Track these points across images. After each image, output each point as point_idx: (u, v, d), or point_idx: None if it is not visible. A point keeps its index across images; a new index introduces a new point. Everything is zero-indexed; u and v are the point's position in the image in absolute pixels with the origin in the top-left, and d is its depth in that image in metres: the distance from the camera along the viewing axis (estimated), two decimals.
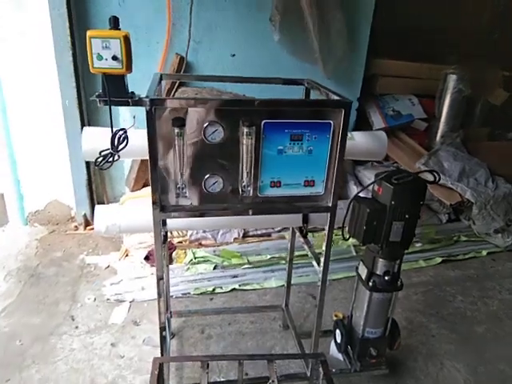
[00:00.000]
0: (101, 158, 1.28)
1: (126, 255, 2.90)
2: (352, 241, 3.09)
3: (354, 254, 2.98)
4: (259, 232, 3.15)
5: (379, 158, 1.82)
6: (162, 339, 1.66)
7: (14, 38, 2.86)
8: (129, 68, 1.18)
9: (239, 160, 1.41)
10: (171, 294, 2.55)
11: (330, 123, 1.41)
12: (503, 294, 2.70)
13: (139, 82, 3.19)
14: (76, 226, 3.27)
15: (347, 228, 1.76)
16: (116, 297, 2.50)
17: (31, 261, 2.82)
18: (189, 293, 2.57)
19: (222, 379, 1.96)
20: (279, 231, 3.21)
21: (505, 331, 2.37)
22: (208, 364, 1.56)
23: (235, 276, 2.73)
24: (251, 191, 1.44)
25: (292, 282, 2.68)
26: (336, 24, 3.25)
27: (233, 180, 1.45)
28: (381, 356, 1.93)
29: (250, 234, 3.15)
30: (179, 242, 3.00)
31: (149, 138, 1.31)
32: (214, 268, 2.77)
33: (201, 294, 2.58)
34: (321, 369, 1.59)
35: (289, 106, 1.40)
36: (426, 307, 2.54)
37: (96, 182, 3.29)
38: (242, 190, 1.44)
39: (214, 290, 2.60)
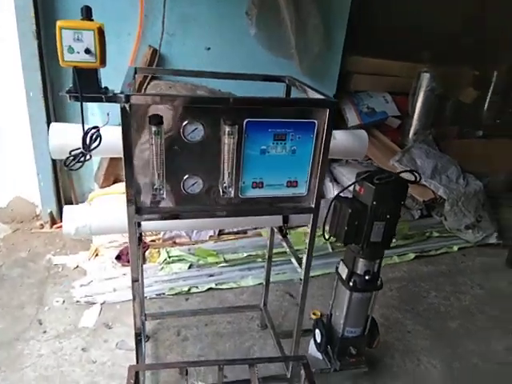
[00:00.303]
0: (71, 158, 1.19)
1: (96, 255, 2.78)
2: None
3: (331, 250, 2.98)
4: (235, 229, 3.11)
5: (359, 157, 1.82)
6: (138, 344, 1.59)
7: None
8: (103, 62, 1.10)
9: (220, 160, 1.35)
10: (145, 295, 2.47)
11: (314, 123, 1.37)
12: (474, 289, 2.77)
13: (109, 76, 3.06)
14: (42, 225, 3.12)
15: (328, 228, 1.74)
16: (86, 299, 2.40)
17: None
18: (163, 293, 2.50)
19: None
20: (255, 228, 3.17)
21: (477, 326, 2.43)
22: (187, 370, 1.51)
23: (211, 275, 2.67)
24: (232, 192, 1.39)
25: (270, 279, 2.66)
26: (312, 20, 3.22)
27: (213, 180, 1.39)
28: (360, 355, 1.93)
29: (226, 231, 3.10)
30: (152, 241, 2.92)
31: (123, 137, 1.23)
32: (190, 267, 2.70)
33: (176, 294, 2.50)
34: (303, 371, 1.57)
35: (273, 105, 1.35)
36: (401, 303, 2.57)
37: (63, 177, 3.14)
38: (223, 191, 1.38)
39: (189, 289, 2.54)
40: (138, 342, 1.58)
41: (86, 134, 1.14)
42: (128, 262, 2.68)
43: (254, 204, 1.46)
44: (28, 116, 2.85)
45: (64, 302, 2.37)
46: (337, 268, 1.90)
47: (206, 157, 1.35)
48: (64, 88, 1.16)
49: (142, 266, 2.20)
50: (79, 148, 1.17)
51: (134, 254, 1.44)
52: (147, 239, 2.88)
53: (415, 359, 2.16)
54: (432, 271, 2.96)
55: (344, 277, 1.82)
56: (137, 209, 1.35)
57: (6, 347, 2.03)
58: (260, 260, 2.83)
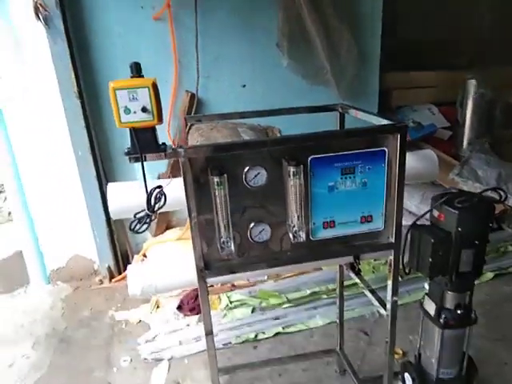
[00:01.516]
0: (135, 222, 1.13)
1: (157, 307, 2.73)
2: None
3: (400, 279, 2.76)
4: None
5: (431, 180, 1.66)
6: None
7: (18, 94, 2.78)
8: (160, 118, 1.05)
9: (286, 203, 1.26)
10: None
11: (385, 150, 1.25)
12: None
13: None
14: (101, 280, 3.12)
15: (407, 260, 1.58)
16: (153, 355, 2.32)
17: (59, 324, 2.66)
18: (230, 342, 2.38)
19: None
20: None
21: None
22: None
23: (277, 318, 2.53)
24: (303, 235, 1.28)
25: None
26: (344, 43, 3.16)
27: (281, 225, 1.29)
28: None
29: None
30: (210, 286, 2.82)
31: (186, 193, 1.16)
32: (253, 311, 2.58)
33: (243, 342, 2.38)
34: None
35: (336, 138, 1.25)
36: (490, 331, 2.31)
37: (117, 231, 3.15)
38: (294, 236, 1.28)
39: (256, 336, 2.41)
40: None
41: (150, 194, 1.08)
42: (190, 311, 2.62)
43: (326, 246, 1.34)
44: (78, 175, 2.90)
45: (132, 360, 2.31)
46: (421, 303, 1.72)
47: (271, 201, 1.27)
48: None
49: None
50: (143, 210, 1.11)
51: (205, 309, 1.35)
52: None
53: None
54: None
55: (432, 313, 1.63)
56: (205, 264, 1.27)
57: None
58: (325, 297, 2.67)
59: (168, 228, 3.36)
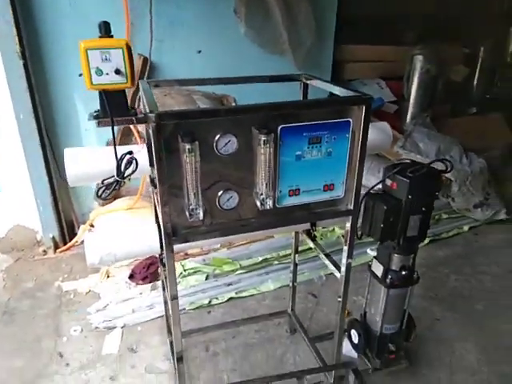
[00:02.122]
0: (103, 188, 1.10)
1: (108, 276, 2.68)
2: (341, 231, 3.06)
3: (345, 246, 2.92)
4: None
5: (385, 151, 1.75)
6: (180, 368, 1.51)
7: None
8: (133, 81, 1.01)
9: (255, 171, 1.28)
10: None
11: (350, 121, 1.31)
12: (493, 268, 2.77)
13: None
14: (44, 251, 2.98)
15: (359, 226, 1.68)
16: (105, 324, 2.30)
17: (0, 296, 2.53)
18: (184, 308, 2.41)
19: None
20: None
21: (503, 305, 2.42)
22: None
23: (230, 284, 2.59)
24: (271, 203, 1.31)
25: (289, 282, 2.60)
26: (303, 13, 3.16)
27: (248, 193, 1.32)
28: (399, 350, 1.89)
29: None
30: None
31: (156, 159, 1.14)
32: (206, 278, 2.62)
33: (197, 308, 2.42)
34: (351, 377, 1.52)
35: (306, 108, 1.28)
36: (425, 291, 2.54)
37: (62, 200, 3.00)
38: (261, 203, 1.31)
39: (210, 302, 2.46)
40: (180, 366, 1.50)
41: (120, 160, 1.04)
42: (142, 280, 2.60)
43: (290, 212, 1.39)
44: (20, 140, 2.70)
45: (82, 330, 2.27)
46: (369, 266, 1.85)
47: (240, 169, 1.28)
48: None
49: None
50: (112, 176, 1.08)
51: (171, 274, 1.36)
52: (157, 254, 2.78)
53: (449, 347, 2.14)
54: (448, 254, 2.95)
55: (379, 274, 1.77)
56: (173, 231, 1.27)
57: None
58: (277, 263, 2.78)
59: (117, 197, 3.26)
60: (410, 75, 3.68)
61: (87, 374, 2.00)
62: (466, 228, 3.22)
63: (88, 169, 1.42)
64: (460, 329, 2.26)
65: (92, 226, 3.08)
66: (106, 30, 1.02)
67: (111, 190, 1.09)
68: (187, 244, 1.39)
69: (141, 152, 1.24)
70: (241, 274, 2.67)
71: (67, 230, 3.06)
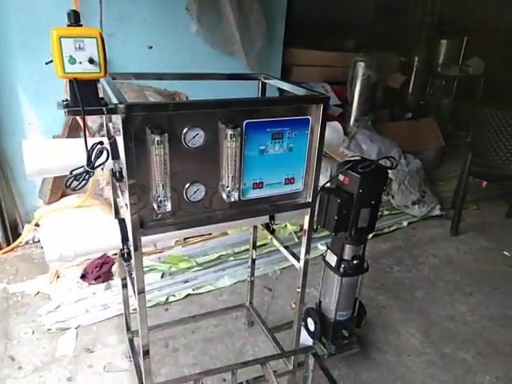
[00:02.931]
0: (72, 179, 1.10)
1: (57, 277, 2.58)
2: (293, 227, 3.17)
3: (297, 240, 3.05)
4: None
5: (336, 149, 1.87)
6: (146, 362, 1.52)
7: None
8: (106, 71, 1.02)
9: (221, 164, 1.33)
10: (121, 312, 2.35)
11: (309, 119, 1.40)
12: (430, 259, 3.01)
13: (46, 79, 2.86)
14: None
15: (315, 219, 1.78)
16: (58, 325, 2.22)
17: None
18: None
19: None
20: None
21: (440, 292, 2.65)
22: (202, 382, 1.48)
23: (186, 281, 2.61)
24: (236, 195, 1.37)
25: (245, 277, 2.67)
26: (255, 15, 3.25)
27: (213, 185, 1.36)
28: (352, 336, 2.02)
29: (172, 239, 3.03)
30: (115, 254, 2.77)
31: (125, 149, 1.15)
32: (162, 276, 2.61)
33: (154, 305, 2.42)
34: (310, 361, 1.61)
35: (271, 104, 1.36)
36: (371, 281, 2.71)
37: (4, 198, 2.85)
38: (227, 196, 1.36)
39: (167, 299, 2.46)
40: (146, 359, 1.51)
41: (91, 150, 1.05)
42: (95, 279, 2.54)
43: (254, 205, 1.45)
44: None
45: (33, 332, 2.18)
46: (324, 257, 1.96)
47: (206, 162, 1.32)
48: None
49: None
50: (82, 166, 1.08)
51: (138, 268, 1.37)
52: (110, 253, 2.73)
53: (395, 332, 2.32)
54: (389, 247, 3.17)
55: (333, 264, 1.89)
56: (140, 223, 1.29)
57: None
58: (232, 259, 2.83)
59: (63, 196, 3.15)
60: (353, 80, 3.89)
61: (42, 376, 1.93)
62: (405, 223, 3.48)
63: (48, 161, 1.39)
64: (404, 315, 2.45)
65: (37, 225, 2.96)
66: (75, 18, 1.02)
67: (80, 181, 1.09)
68: (154, 236, 1.40)
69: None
70: (197, 270, 2.70)
71: (10, 229, 2.91)
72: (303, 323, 2.07)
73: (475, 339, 2.28)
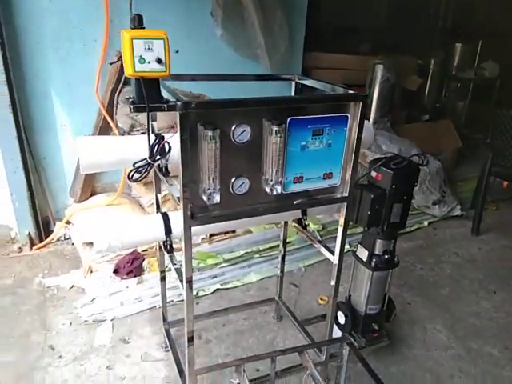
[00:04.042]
0: (133, 171, 1.18)
1: (91, 271, 2.67)
2: (315, 226, 3.23)
3: (320, 239, 3.11)
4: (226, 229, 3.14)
5: (367, 147, 1.94)
6: (190, 348, 1.59)
7: None
8: (170, 71, 1.10)
9: (264, 158, 1.40)
10: (154, 305, 2.44)
11: (347, 116, 1.47)
12: (452, 258, 3.05)
13: (78, 82, 2.96)
14: (20, 248, 2.92)
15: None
16: (94, 317, 2.31)
17: None
18: (172, 300, 2.47)
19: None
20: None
21: (464, 290, 2.70)
22: (244, 368, 1.55)
23: (214, 276, 2.69)
24: (279, 189, 1.44)
25: (270, 273, 2.74)
26: (277, 19, 3.33)
27: (257, 179, 1.44)
28: (381, 329, 2.08)
29: (216, 232, 3.12)
30: (144, 251, 2.85)
31: (181, 144, 1.23)
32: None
33: None
34: (345, 351, 1.67)
35: (313, 102, 1.43)
36: (396, 279, 2.73)
37: (37, 195, 2.96)
38: (271, 189, 1.43)
39: (197, 293, 2.54)
40: (190, 346, 1.58)
41: (154, 143, 1.13)
42: (127, 274, 2.62)
43: (294, 198, 1.52)
44: None
45: (71, 323, 2.27)
46: (354, 252, 2.02)
47: (251, 157, 1.40)
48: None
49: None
50: (144, 159, 1.16)
51: (188, 256, 1.44)
52: (139, 249, 2.82)
53: (422, 327, 2.36)
54: (411, 246, 3.21)
55: (365, 259, 1.94)
56: (191, 214, 1.36)
57: (25, 379, 1.92)
58: (257, 256, 2.90)
59: (92, 194, 3.25)
60: (371, 83, 3.95)
61: (82, 364, 2.01)
62: (425, 223, 3.52)
63: (100, 156, 1.48)
64: (429, 311, 2.49)
65: (68, 222, 3.06)
66: (139, 21, 1.11)
67: (142, 173, 1.16)
68: (201, 227, 1.48)
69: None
70: (224, 267, 2.77)
71: (43, 226, 3.01)
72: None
73: (501, 334, 2.32)
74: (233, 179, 1.39)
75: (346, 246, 1.97)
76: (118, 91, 3.00)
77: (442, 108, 5.19)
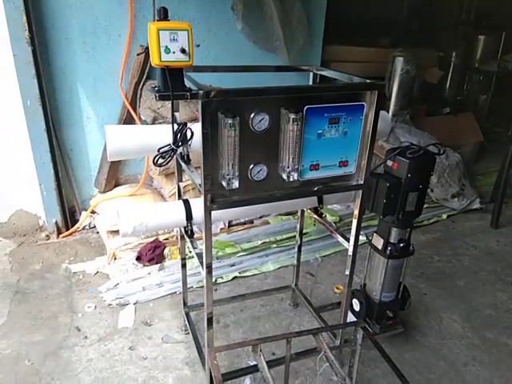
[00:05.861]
0: (158, 156, 1.25)
1: (115, 258, 2.78)
2: (332, 218, 3.27)
3: (336, 227, 3.14)
4: (242, 220, 3.21)
5: (384, 137, 1.96)
6: (210, 328, 1.67)
7: None
8: (193, 60, 1.17)
9: (281, 146, 1.45)
10: (174, 291, 2.53)
11: (363, 105, 1.50)
12: (470, 251, 3.05)
13: (103, 76, 3.06)
14: (47, 236, 3.05)
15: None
16: (118, 301, 2.42)
17: (9, 277, 2.60)
18: (192, 286, 2.56)
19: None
20: (261, 217, 3.29)
21: (481, 281, 2.70)
22: (260, 347, 1.61)
23: (233, 265, 2.76)
24: (296, 176, 1.49)
25: (287, 263, 2.80)
26: (296, 12, 3.36)
27: (275, 166, 1.49)
28: (396, 317, 2.11)
29: (234, 223, 3.20)
30: (166, 239, 2.95)
31: (203, 131, 1.30)
32: None
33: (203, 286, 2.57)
34: (359, 335, 1.71)
35: (330, 91, 1.47)
36: (412, 270, 2.78)
37: (64, 185, 3.08)
38: (288, 176, 1.48)
39: (215, 280, 2.62)
40: (210, 326, 1.65)
41: (178, 129, 1.20)
42: (149, 261, 2.72)
43: (310, 185, 1.57)
44: (26, 125, 2.77)
45: (96, 307, 2.38)
46: (370, 240, 2.06)
47: (268, 145, 1.45)
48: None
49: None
50: (168, 144, 1.23)
51: (208, 240, 1.51)
52: (161, 238, 2.91)
53: (437, 317, 2.38)
54: (429, 238, 3.22)
55: (380, 247, 1.98)
56: (211, 198, 1.43)
57: (53, 357, 2.03)
58: (275, 246, 2.96)
59: (116, 185, 3.36)
60: (391, 75, 3.94)
61: (107, 345, 2.11)
62: (444, 216, 3.51)
63: (127, 144, 1.56)
64: (445, 301, 2.51)
65: (93, 212, 3.18)
66: (164, 14, 1.17)
67: (166, 158, 1.23)
68: (220, 212, 1.55)
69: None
70: (242, 256, 2.84)
71: (69, 215, 3.14)
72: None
73: None
74: (251, 166, 1.45)
75: (363, 238, 2.01)
76: (141, 84, 3.09)
77: (464, 101, 5.12)
